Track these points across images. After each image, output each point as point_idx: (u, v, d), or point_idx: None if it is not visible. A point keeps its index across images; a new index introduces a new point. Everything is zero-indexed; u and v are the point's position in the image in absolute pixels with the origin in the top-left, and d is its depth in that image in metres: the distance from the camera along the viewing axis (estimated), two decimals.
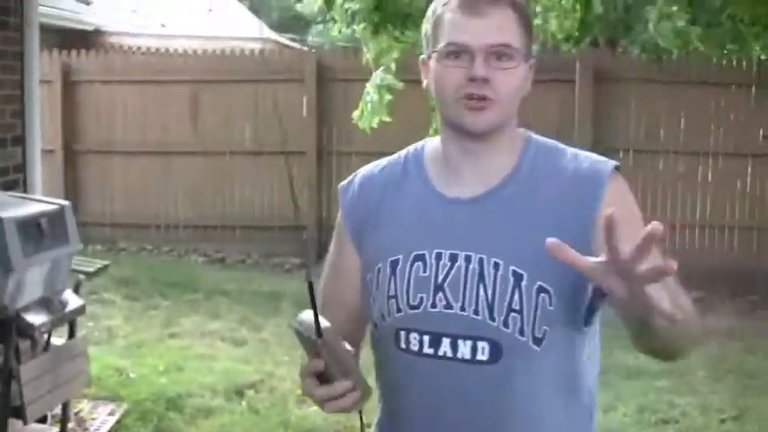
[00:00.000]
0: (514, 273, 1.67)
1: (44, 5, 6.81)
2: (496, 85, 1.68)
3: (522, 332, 1.66)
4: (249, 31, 21.34)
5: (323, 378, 1.58)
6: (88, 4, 16.89)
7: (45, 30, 7.32)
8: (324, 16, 8.99)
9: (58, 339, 4.48)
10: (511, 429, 1.72)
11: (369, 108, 7.20)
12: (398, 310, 1.73)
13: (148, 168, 10.66)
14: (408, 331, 1.72)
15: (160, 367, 6.09)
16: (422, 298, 1.71)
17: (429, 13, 1.77)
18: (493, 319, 1.67)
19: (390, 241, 1.77)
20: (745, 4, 7.17)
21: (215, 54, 11.12)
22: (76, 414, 4.98)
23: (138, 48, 14.15)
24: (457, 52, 1.69)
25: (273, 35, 23.28)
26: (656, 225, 1.35)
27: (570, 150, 1.79)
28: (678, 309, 1.54)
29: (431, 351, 1.71)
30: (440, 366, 1.71)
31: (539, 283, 1.66)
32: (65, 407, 4.48)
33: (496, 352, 1.67)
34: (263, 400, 5.61)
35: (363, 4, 7.24)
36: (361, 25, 7.40)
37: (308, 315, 1.57)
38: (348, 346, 1.60)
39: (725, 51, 9.89)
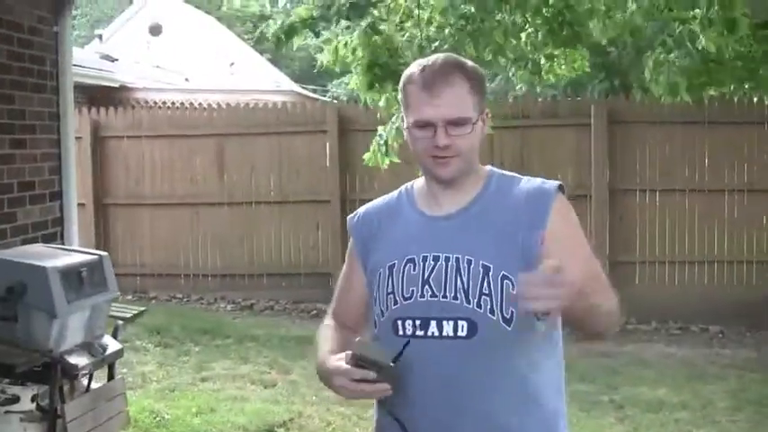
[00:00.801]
0: (483, 266, 2.15)
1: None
2: (457, 146, 2.18)
3: (492, 312, 2.13)
4: (271, 84, 21.71)
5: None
6: (113, 61, 17.34)
7: (73, 87, 7.64)
8: (341, 69, 9.30)
9: (97, 383, 4.71)
10: (491, 393, 2.14)
11: (378, 149, 7.51)
12: (395, 303, 2.21)
13: (176, 220, 10.95)
14: (404, 320, 2.18)
15: (193, 409, 6.30)
16: (413, 291, 2.19)
17: (401, 82, 2.26)
18: (469, 302, 2.13)
19: (388, 251, 2.27)
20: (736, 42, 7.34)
21: (239, 107, 11.46)
22: None
23: (164, 102, 14.48)
24: (423, 125, 2.17)
25: (295, 87, 23.61)
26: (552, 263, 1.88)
27: (524, 178, 2.30)
28: (604, 298, 2.14)
29: (421, 333, 2.16)
30: (429, 344, 2.15)
31: (503, 272, 2.14)
32: None
33: (473, 328, 2.13)
34: None
35: (360, 61, 7.62)
36: (357, 80, 7.80)
37: (368, 346, 2.12)
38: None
39: (744, 91, 10.12)
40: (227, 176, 10.89)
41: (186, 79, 20.13)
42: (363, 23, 7.50)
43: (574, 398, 6.95)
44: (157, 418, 6.02)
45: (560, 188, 2.24)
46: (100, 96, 12.81)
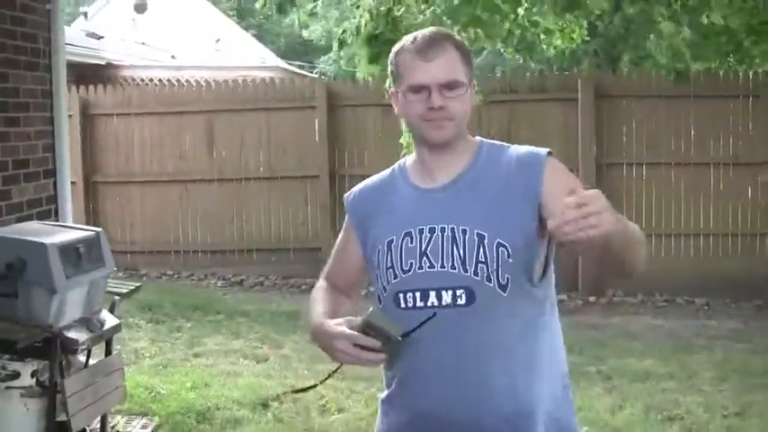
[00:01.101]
0: (478, 234, 2.20)
1: None
2: (450, 108, 2.24)
3: (489, 279, 2.18)
4: (257, 60, 21.68)
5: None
6: (99, 38, 17.30)
7: None
8: (330, 43, 9.38)
9: (94, 359, 4.78)
10: (492, 358, 2.21)
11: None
12: (395, 277, 2.26)
13: (166, 196, 10.99)
14: (404, 292, 2.24)
15: (188, 384, 6.37)
16: (411, 263, 2.25)
17: (391, 55, 2.33)
18: (466, 271, 2.19)
19: (386, 227, 2.32)
20: (738, 14, 7.40)
21: (228, 84, 11.48)
22: (112, 428, 5.26)
23: (151, 80, 14.50)
24: (417, 89, 2.23)
25: (281, 63, 23.60)
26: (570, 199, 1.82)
27: (513, 146, 2.36)
28: (622, 223, 2.00)
29: (422, 304, 2.22)
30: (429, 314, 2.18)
31: (497, 240, 2.19)
32: (103, 420, 4.77)
33: (471, 296, 2.19)
34: (287, 411, 5.88)
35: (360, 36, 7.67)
36: (357, 54, 7.86)
37: (381, 317, 2.17)
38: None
39: (728, 64, 10.19)
40: (216, 153, 10.92)
41: (172, 56, 20.09)
42: None
43: None
44: (152, 393, 6.09)
45: (550, 153, 2.29)
46: (87, 74, 12.80)
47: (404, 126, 7.98)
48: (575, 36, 9.16)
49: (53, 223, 5.12)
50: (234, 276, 10.68)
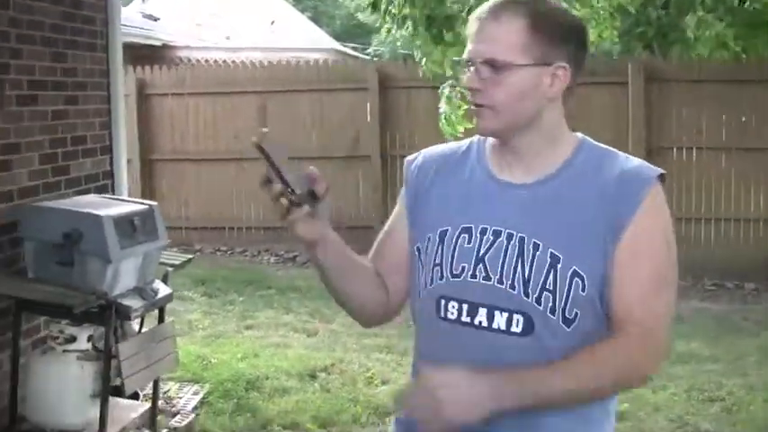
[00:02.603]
0: (552, 255, 1.81)
1: None
2: (489, 94, 1.85)
3: (553, 311, 1.81)
4: (311, 42, 21.81)
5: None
6: (155, 20, 17.56)
7: None
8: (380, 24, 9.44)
9: (147, 327, 4.97)
10: None
11: (443, 119, 7.71)
12: (441, 277, 1.90)
13: (220, 174, 11.19)
14: (448, 299, 1.89)
15: (238, 354, 6.57)
16: (464, 267, 1.87)
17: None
18: (527, 295, 1.81)
19: (442, 213, 1.94)
20: None
21: (281, 64, 11.64)
22: (165, 393, 5.46)
23: (206, 60, 14.71)
24: (468, 63, 1.87)
25: (336, 45, 23.70)
26: None
27: (621, 155, 1.92)
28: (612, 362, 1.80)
29: (468, 320, 1.86)
30: (476, 335, 1.85)
31: (574, 267, 1.80)
32: (155, 385, 4.95)
33: (529, 326, 1.81)
34: (333, 381, 6.06)
35: (413, 10, 7.71)
36: (411, 30, 7.90)
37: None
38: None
39: None
40: (269, 132, 11.04)
41: (227, 37, 20.29)
42: None
43: None
44: (204, 363, 6.28)
45: (661, 177, 1.87)
46: (144, 55, 13.05)
47: (443, 106, 8.09)
48: (604, 35, 9.08)
49: (110, 197, 5.30)
50: (286, 253, 10.85)
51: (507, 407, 1.72)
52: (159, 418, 5.05)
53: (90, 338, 4.45)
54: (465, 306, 1.86)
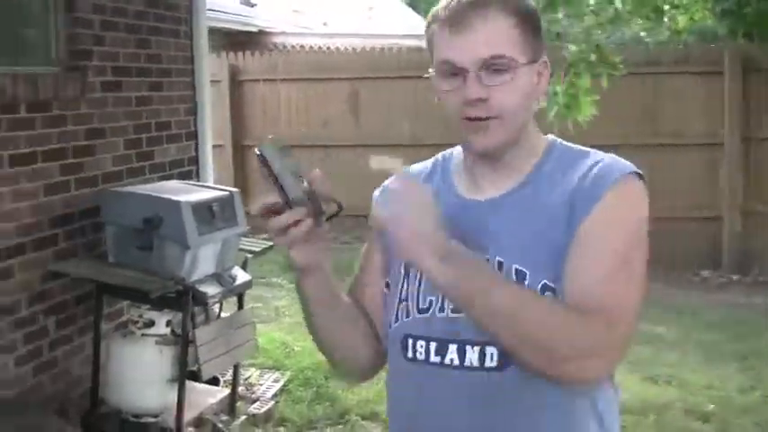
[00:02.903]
0: (517, 271, 1.60)
1: (211, 9, 7.36)
2: (495, 102, 1.62)
3: None
4: (409, 28, 21.76)
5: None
6: (252, 6, 17.71)
7: (213, 32, 7.91)
8: None
9: (226, 313, 5.00)
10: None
11: (554, 108, 7.41)
12: (407, 314, 1.71)
13: (311, 161, 11.20)
14: (416, 339, 1.68)
15: None
16: (431, 301, 1.67)
17: (424, 27, 1.73)
18: None
19: None
20: None
21: (374, 51, 11.60)
22: (245, 380, 5.49)
23: (302, 47, 14.76)
24: (450, 72, 1.64)
25: None
26: None
27: (597, 154, 1.70)
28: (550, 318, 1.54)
29: (437, 359, 1.65)
30: (447, 376, 1.65)
31: (543, 281, 1.59)
32: (235, 371, 4.99)
33: (506, 358, 1.58)
34: None
35: None
36: None
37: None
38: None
39: None
40: (361, 120, 11.08)
41: (324, 23, 20.36)
42: None
43: (698, 346, 6.94)
44: (287, 349, 6.29)
45: (638, 175, 1.66)
46: (240, 41, 13.16)
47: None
48: (696, 17, 8.73)
49: (191, 183, 5.35)
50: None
51: (443, 275, 1.49)
52: (238, 404, 5.09)
53: (168, 323, 4.49)
54: (433, 344, 1.66)
